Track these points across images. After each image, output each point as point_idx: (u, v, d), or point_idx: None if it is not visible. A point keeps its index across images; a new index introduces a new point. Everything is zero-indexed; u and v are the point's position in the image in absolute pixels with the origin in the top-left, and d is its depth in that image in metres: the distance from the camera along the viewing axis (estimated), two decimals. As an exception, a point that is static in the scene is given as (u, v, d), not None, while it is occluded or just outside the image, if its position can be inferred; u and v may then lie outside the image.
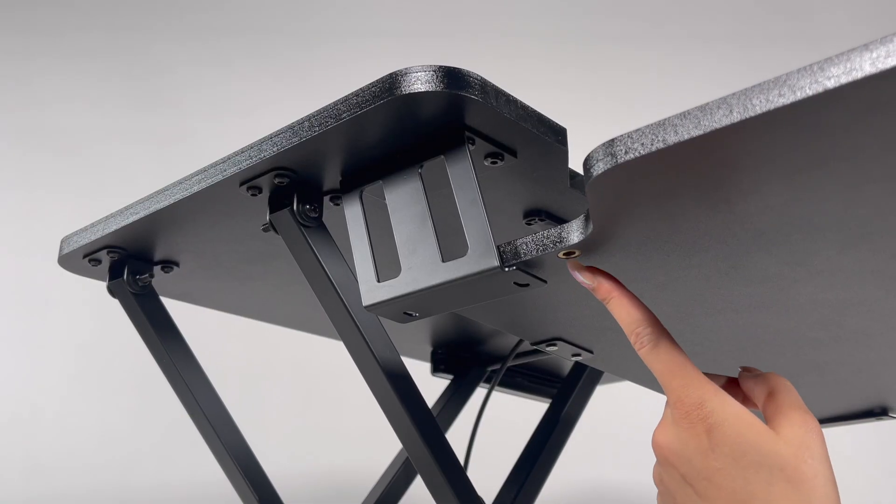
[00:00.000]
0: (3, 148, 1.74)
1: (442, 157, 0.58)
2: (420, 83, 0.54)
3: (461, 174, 0.57)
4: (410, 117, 0.57)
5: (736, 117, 0.39)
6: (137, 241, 0.80)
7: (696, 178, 0.44)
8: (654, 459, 0.53)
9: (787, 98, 0.37)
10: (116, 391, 1.58)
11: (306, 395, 1.67)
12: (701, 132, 0.40)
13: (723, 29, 2.06)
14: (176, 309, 0.90)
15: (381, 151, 0.62)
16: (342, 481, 1.55)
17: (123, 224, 0.76)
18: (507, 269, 0.53)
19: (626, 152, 0.42)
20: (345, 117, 0.58)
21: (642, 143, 0.42)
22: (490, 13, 2.05)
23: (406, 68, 0.55)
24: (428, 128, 0.58)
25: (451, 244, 0.59)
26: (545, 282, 0.56)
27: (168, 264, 0.85)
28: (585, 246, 0.51)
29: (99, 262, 0.84)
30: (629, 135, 0.43)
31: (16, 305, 1.62)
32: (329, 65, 1.93)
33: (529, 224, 0.73)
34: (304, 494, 1.52)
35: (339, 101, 0.59)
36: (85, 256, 0.83)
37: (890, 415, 0.94)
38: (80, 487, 1.49)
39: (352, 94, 0.58)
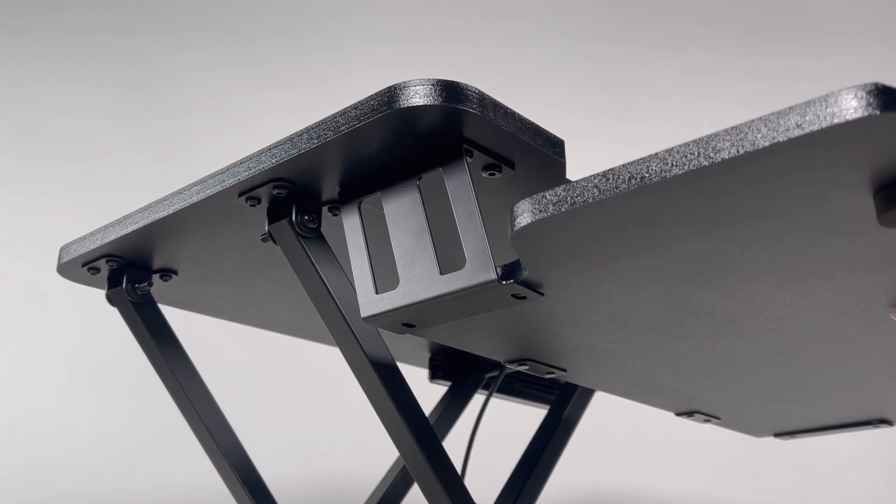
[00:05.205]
0: (2, 150, 1.74)
1: (440, 169, 0.58)
2: (418, 97, 0.54)
3: (459, 187, 0.57)
4: (409, 130, 0.57)
5: (633, 185, 0.42)
6: (136, 250, 0.80)
7: (614, 232, 0.47)
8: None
9: (681, 168, 0.40)
10: (113, 394, 1.58)
11: (304, 402, 1.67)
12: (604, 197, 0.43)
13: (722, 29, 2.07)
14: (174, 316, 0.91)
15: (379, 163, 0.62)
16: (339, 488, 1.55)
17: (122, 233, 0.77)
18: (504, 282, 0.54)
19: (540, 211, 0.46)
20: (343, 130, 0.58)
21: (554, 204, 0.45)
22: (491, 15, 2.05)
23: (405, 82, 0.55)
24: (426, 140, 0.58)
25: (449, 255, 0.59)
26: (542, 294, 0.56)
27: (167, 273, 0.85)
28: (528, 285, 0.53)
29: (98, 270, 0.84)
30: (544, 195, 0.46)
31: (13, 308, 1.62)
32: (330, 69, 1.93)
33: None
34: (302, 501, 1.52)
35: (337, 113, 0.59)
36: (84, 265, 0.83)
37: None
38: (77, 490, 1.49)
39: (350, 106, 0.58)
